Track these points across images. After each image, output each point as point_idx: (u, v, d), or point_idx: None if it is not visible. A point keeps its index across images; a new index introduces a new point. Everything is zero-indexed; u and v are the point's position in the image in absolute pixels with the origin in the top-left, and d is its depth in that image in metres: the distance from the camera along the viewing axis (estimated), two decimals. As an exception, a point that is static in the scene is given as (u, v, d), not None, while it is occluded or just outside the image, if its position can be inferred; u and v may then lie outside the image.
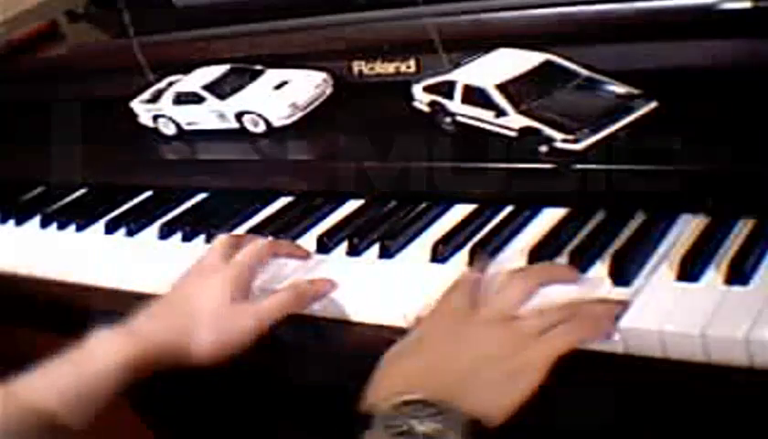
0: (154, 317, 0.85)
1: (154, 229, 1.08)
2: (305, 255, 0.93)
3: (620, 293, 0.74)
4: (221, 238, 0.92)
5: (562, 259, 0.81)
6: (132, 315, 0.85)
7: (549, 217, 0.88)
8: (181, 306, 0.85)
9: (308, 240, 0.96)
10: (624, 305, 0.72)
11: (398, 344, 0.73)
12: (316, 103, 1.11)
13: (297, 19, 1.16)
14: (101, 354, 0.81)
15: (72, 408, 0.79)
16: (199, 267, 0.89)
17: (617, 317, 0.71)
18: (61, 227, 1.17)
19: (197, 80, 1.15)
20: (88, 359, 0.81)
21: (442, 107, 0.95)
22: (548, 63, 0.91)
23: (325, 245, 0.94)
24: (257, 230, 1.00)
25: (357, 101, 1.10)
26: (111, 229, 1.12)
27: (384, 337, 0.82)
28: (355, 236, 0.93)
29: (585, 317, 0.71)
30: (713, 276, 0.73)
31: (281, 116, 1.09)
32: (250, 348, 0.84)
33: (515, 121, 0.87)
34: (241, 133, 1.11)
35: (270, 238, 0.95)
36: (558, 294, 0.76)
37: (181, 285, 0.88)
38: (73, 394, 0.79)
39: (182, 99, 1.14)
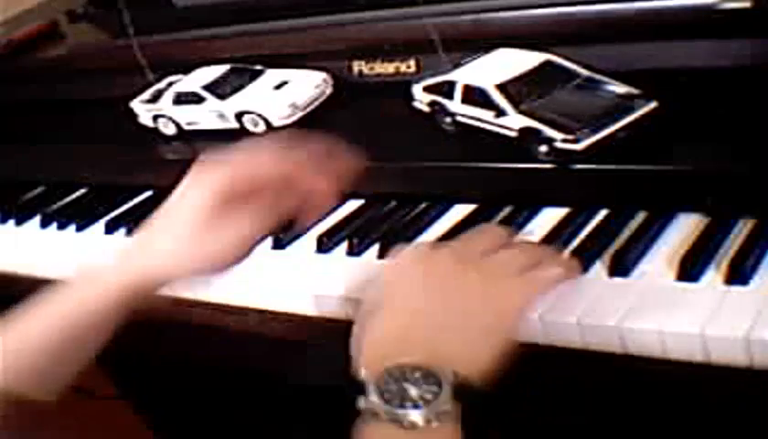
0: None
1: (154, 229, 1.08)
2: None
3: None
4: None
5: (562, 259, 0.81)
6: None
7: (549, 217, 0.88)
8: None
9: (308, 240, 0.96)
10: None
11: (370, 301, 0.70)
12: (316, 103, 1.10)
13: (297, 19, 1.16)
14: None
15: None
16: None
17: None
18: (61, 227, 1.17)
19: (197, 80, 1.15)
20: None
21: (442, 107, 0.95)
22: (548, 63, 0.91)
23: (325, 245, 0.94)
24: (257, 230, 1.00)
25: (357, 101, 1.10)
26: (111, 229, 1.12)
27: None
28: (355, 236, 0.93)
29: (556, 260, 0.72)
30: (713, 276, 0.73)
31: (281, 116, 1.09)
32: (251, 348, 0.83)
33: (515, 121, 0.87)
34: (241, 133, 1.11)
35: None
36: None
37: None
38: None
39: (182, 99, 1.14)
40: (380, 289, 0.71)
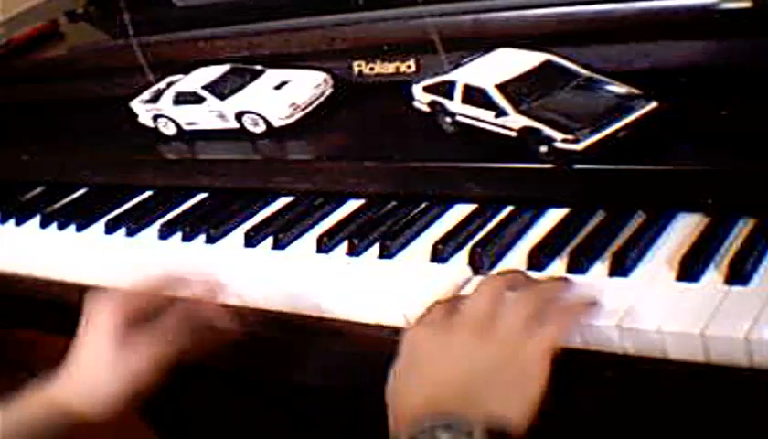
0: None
1: (154, 229, 1.09)
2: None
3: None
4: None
5: (562, 259, 0.81)
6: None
7: (550, 217, 0.88)
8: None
9: (308, 240, 0.96)
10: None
11: (393, 375, 0.71)
12: (316, 103, 1.10)
13: (297, 19, 1.16)
14: None
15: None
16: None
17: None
18: (61, 227, 1.17)
19: (197, 80, 1.15)
20: None
21: (443, 107, 0.95)
22: (548, 63, 0.91)
23: (325, 245, 0.94)
24: (257, 230, 1.00)
25: (357, 101, 1.10)
26: (111, 229, 1.12)
27: (384, 337, 0.83)
28: (355, 236, 0.93)
29: (565, 305, 0.72)
30: (713, 276, 0.73)
31: (281, 116, 1.09)
32: (251, 349, 0.84)
33: (515, 121, 0.87)
34: (241, 133, 1.11)
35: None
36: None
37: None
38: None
39: (182, 99, 1.14)
40: (405, 363, 0.72)
